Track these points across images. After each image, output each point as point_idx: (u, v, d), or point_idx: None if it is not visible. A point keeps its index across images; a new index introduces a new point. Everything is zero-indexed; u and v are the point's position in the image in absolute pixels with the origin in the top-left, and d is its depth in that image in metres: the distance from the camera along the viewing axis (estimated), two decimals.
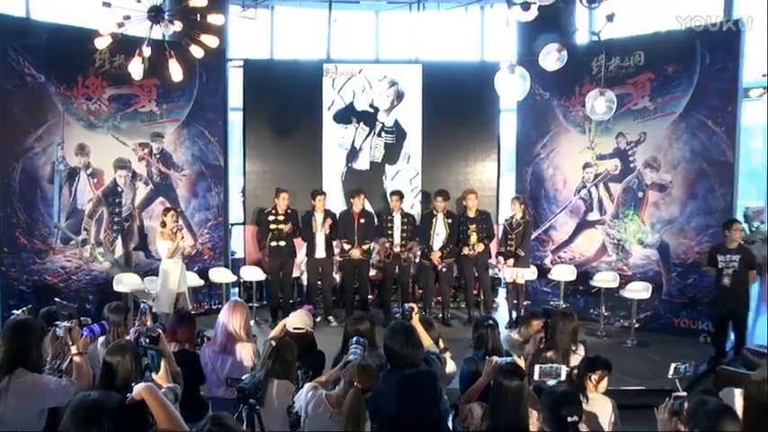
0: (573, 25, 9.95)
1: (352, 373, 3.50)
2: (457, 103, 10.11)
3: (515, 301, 9.07)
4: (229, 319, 4.57)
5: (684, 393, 3.43)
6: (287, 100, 10.17)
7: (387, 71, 10.53)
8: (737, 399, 3.44)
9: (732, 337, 7.77)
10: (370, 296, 9.76)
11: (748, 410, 3.19)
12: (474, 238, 8.98)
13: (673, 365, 3.84)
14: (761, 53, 8.86)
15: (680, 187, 8.91)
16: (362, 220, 9.10)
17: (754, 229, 8.69)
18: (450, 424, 4.27)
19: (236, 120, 10.55)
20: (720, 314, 7.78)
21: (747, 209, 9.46)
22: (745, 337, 7.61)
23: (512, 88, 5.75)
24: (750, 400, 3.23)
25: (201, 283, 9.42)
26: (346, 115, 10.45)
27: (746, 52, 8.55)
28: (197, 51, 6.16)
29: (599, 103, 6.26)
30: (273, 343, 3.98)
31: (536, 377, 3.52)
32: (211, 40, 6.12)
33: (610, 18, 5.85)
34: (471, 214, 9.12)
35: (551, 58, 6.05)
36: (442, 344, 4.82)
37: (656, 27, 9.28)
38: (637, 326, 8.70)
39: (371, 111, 10.48)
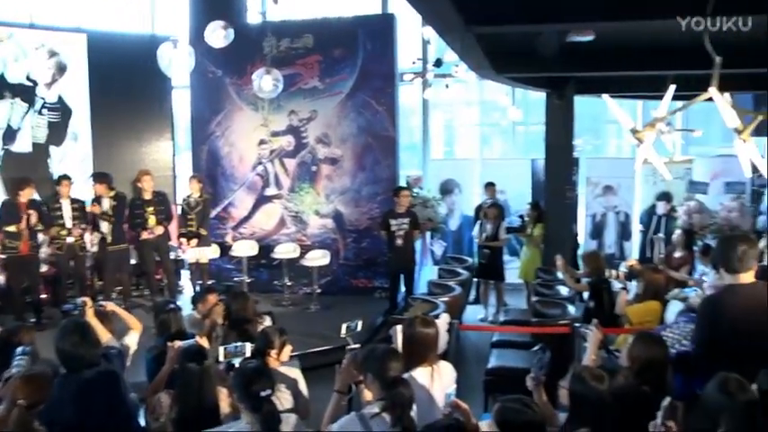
0: (244, 4, 10.06)
1: (15, 388, 3.15)
2: (127, 77, 9.47)
3: (200, 282, 8.97)
4: None
5: (357, 345, 3.77)
6: None
7: (45, 39, 9.44)
8: (399, 334, 3.88)
9: (403, 289, 8.73)
10: (43, 295, 8.65)
11: (404, 344, 3.70)
12: (152, 220, 8.62)
13: (344, 325, 4.15)
14: (412, 43, 10.33)
15: (350, 160, 9.66)
16: (31, 212, 8.03)
17: (415, 194, 9.73)
18: (141, 420, 4.10)
19: None
20: (395, 271, 8.76)
21: (409, 177, 10.55)
22: (413, 288, 8.68)
23: (176, 64, 5.60)
24: (404, 335, 3.75)
25: None
26: None
27: (400, 42, 9.67)
28: None
29: (266, 81, 6.43)
30: None
31: (221, 358, 3.54)
32: None
33: (275, 0, 6.04)
34: (147, 196, 8.73)
35: (217, 35, 6.05)
36: (135, 324, 4.57)
37: (325, 13, 9.93)
38: (319, 291, 9.19)
39: (29, 84, 9.34)
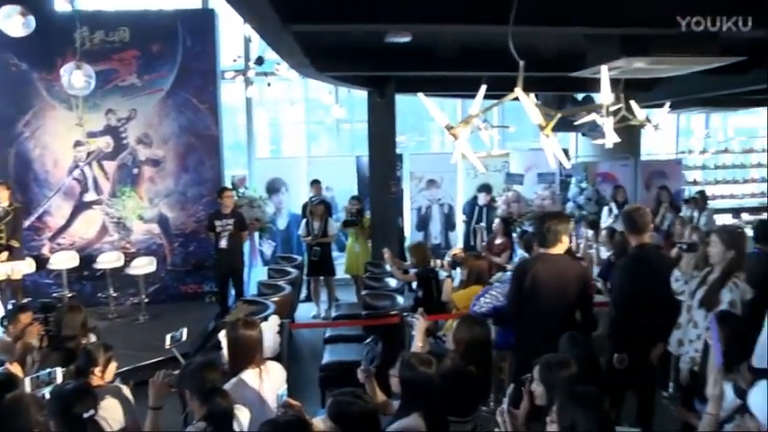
0: None
1: None
2: None
3: (13, 301, 8.23)
4: None
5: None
6: None
7: None
8: (224, 340, 3.86)
9: (234, 292, 8.61)
10: None
11: (229, 347, 3.72)
12: None
13: (168, 336, 4.02)
14: (233, 40, 10.25)
15: (173, 161, 9.35)
16: None
17: (241, 194, 9.59)
18: None
19: None
20: (223, 273, 8.63)
21: (234, 177, 10.37)
22: (242, 290, 8.58)
23: None
24: (228, 339, 3.76)
25: None
26: None
27: (221, 38, 9.55)
28: None
29: (76, 77, 6.03)
30: None
31: (29, 389, 3.27)
32: None
33: None
34: None
35: (14, 21, 5.58)
36: None
37: (142, 5, 9.55)
38: (147, 300, 8.80)
39: None
